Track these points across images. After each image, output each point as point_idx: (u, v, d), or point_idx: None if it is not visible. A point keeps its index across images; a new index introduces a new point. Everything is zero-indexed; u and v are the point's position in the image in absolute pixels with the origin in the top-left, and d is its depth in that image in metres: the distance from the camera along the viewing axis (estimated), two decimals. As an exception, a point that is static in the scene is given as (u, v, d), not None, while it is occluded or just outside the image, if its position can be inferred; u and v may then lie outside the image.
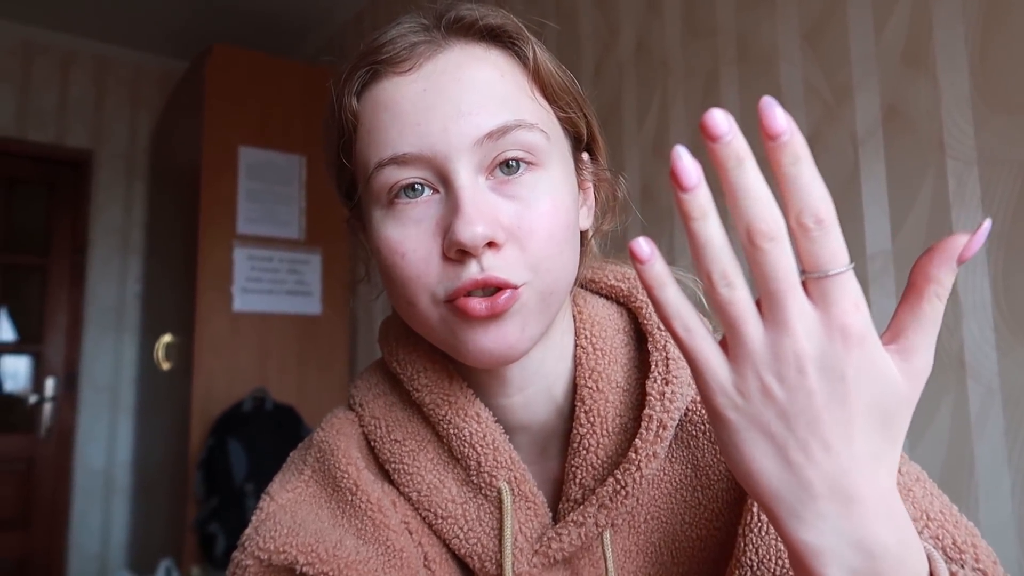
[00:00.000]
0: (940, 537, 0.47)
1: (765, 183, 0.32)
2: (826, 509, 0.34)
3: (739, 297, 0.33)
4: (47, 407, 3.26)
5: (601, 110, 1.87)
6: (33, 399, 3.26)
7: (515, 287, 0.48)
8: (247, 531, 0.56)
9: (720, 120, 0.31)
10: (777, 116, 0.31)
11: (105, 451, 3.35)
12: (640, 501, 0.54)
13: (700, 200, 0.32)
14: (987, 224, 0.33)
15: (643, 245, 0.34)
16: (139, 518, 3.20)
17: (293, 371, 2.69)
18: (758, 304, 0.34)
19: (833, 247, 0.32)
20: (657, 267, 0.34)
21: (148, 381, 3.19)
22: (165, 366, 2.82)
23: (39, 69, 3.36)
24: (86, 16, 3.24)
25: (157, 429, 2.98)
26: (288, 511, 0.55)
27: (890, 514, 0.34)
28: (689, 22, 1.69)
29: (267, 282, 2.66)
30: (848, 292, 0.33)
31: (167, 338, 2.83)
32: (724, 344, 0.35)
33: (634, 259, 0.34)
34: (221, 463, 2.33)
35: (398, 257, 0.49)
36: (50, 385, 3.28)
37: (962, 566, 0.46)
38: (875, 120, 1.31)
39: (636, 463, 0.51)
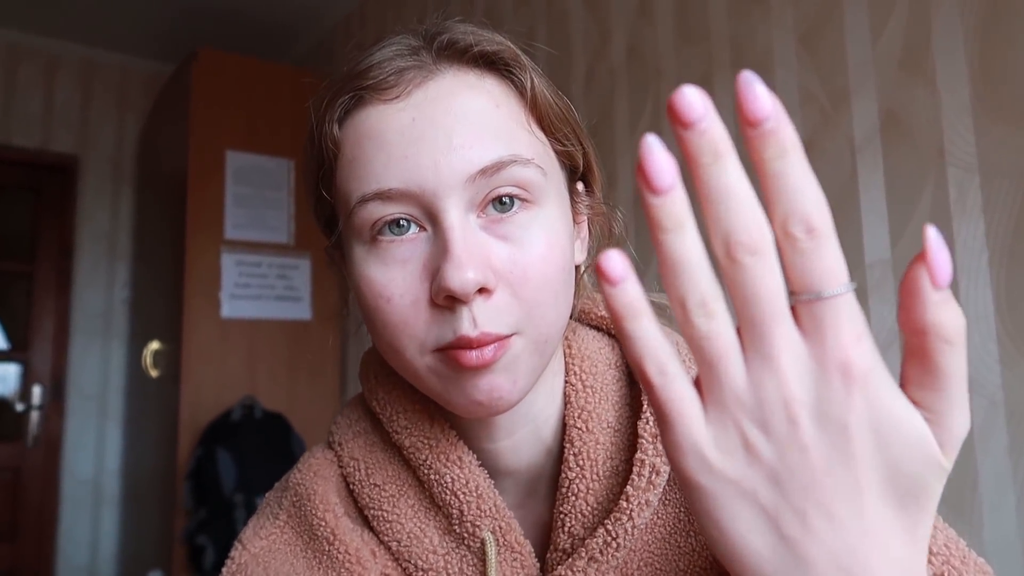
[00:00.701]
0: (945, 574, 0.44)
1: (749, 184, 0.26)
2: None
3: (719, 330, 0.27)
4: (34, 415, 3.22)
5: (592, 117, 1.84)
6: (20, 407, 3.21)
7: (505, 337, 0.44)
8: None
9: (694, 100, 0.25)
10: (759, 96, 0.25)
11: (93, 460, 3.30)
12: (633, 549, 0.51)
13: (674, 207, 0.26)
14: (932, 232, 0.26)
15: (615, 262, 0.27)
16: (128, 528, 3.16)
17: (283, 378, 2.66)
18: (739, 333, 0.28)
19: (828, 262, 0.26)
20: (630, 291, 0.27)
21: (136, 389, 3.15)
22: (153, 373, 2.78)
23: (24, 74, 3.31)
24: (71, 20, 3.19)
25: (146, 438, 2.94)
26: (260, 562, 0.52)
27: None
28: (681, 27, 1.66)
29: (256, 288, 2.63)
30: (848, 320, 0.26)
31: (155, 345, 2.79)
32: (697, 385, 0.29)
33: (602, 279, 0.27)
34: (210, 473, 2.30)
35: (383, 301, 0.45)
36: (37, 393, 3.24)
37: None
38: (873, 127, 1.29)
39: (628, 512, 0.48)
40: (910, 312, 0.26)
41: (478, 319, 0.43)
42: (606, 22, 1.86)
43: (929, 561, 0.44)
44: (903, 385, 0.28)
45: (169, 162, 2.80)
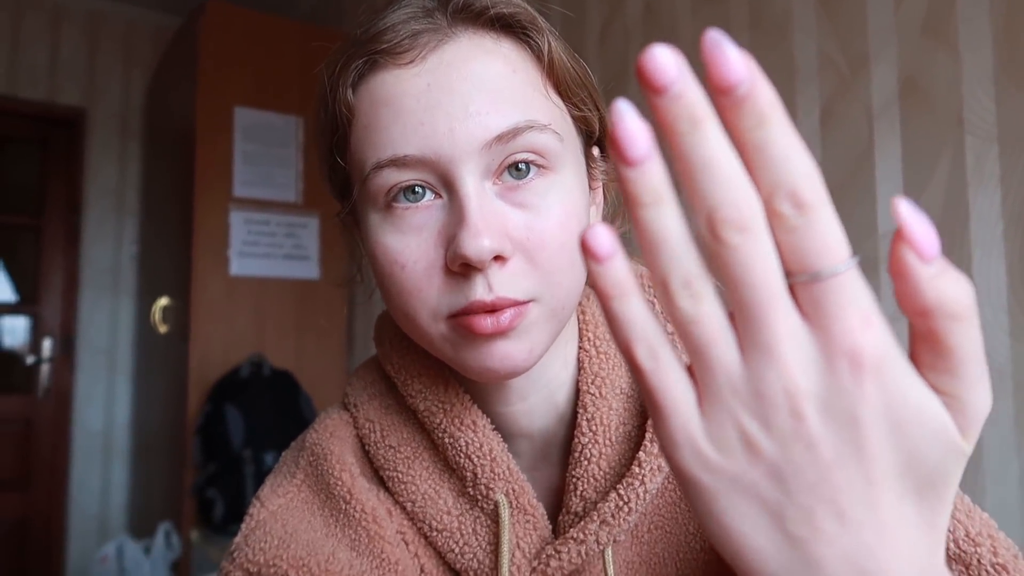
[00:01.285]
0: (952, 529, 0.44)
1: (733, 154, 0.23)
2: None
3: (707, 312, 0.24)
4: (44, 368, 3.26)
5: (606, 77, 1.82)
6: (30, 360, 3.25)
7: (523, 303, 0.44)
8: (236, 540, 0.53)
9: (666, 62, 0.22)
10: (730, 58, 0.22)
11: (103, 413, 3.35)
12: (644, 512, 0.52)
13: (651, 179, 0.23)
14: (903, 205, 0.23)
15: (601, 237, 0.25)
16: (138, 480, 3.22)
17: (291, 336, 2.67)
18: (733, 319, 0.25)
19: (823, 239, 0.23)
20: (618, 269, 0.25)
21: (145, 344, 3.17)
22: (162, 329, 2.80)
23: (29, 24, 3.27)
24: (76, -31, 3.14)
25: (155, 393, 2.98)
26: (279, 519, 0.53)
27: None
28: (700, -15, 1.63)
29: (264, 246, 2.63)
30: (852, 301, 0.23)
31: (164, 301, 2.80)
32: (691, 374, 0.26)
33: (587, 255, 0.25)
34: (219, 429, 2.32)
35: (397, 268, 0.45)
36: (47, 346, 3.27)
37: (979, 560, 0.43)
38: (892, 93, 1.27)
39: (640, 477, 0.49)
40: (906, 295, 0.24)
41: (493, 285, 0.43)
42: (621, -19, 1.82)
43: None
44: (915, 365, 0.25)
45: (177, 118, 2.78)
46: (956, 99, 1.18)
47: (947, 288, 0.23)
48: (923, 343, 0.25)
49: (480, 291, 0.43)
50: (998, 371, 1.12)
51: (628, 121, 0.23)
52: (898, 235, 0.23)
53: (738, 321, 0.25)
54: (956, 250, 1.17)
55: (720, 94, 0.22)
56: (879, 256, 1.27)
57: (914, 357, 0.25)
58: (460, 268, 0.43)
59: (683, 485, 0.27)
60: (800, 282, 0.24)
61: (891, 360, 0.24)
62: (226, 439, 2.32)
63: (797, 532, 0.25)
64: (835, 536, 0.25)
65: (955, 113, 1.18)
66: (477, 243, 0.42)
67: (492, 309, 0.43)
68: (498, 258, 0.43)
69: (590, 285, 0.24)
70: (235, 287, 2.56)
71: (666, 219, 0.24)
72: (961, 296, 0.23)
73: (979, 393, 0.25)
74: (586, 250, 0.25)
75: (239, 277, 2.57)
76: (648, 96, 0.23)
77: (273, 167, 2.66)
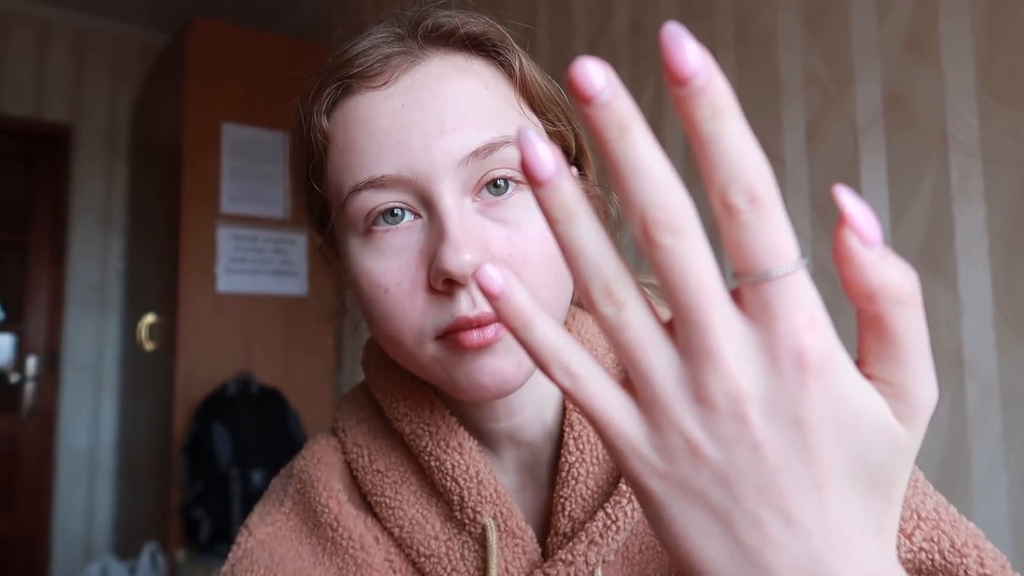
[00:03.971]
0: (935, 539, 0.44)
1: (662, 157, 0.23)
2: None
3: (630, 317, 0.25)
4: (29, 386, 3.22)
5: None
6: (15, 378, 3.21)
7: None
8: (223, 569, 0.53)
9: (593, 74, 0.22)
10: (687, 52, 0.22)
11: (88, 432, 3.31)
12: (634, 532, 0.51)
13: (561, 196, 0.24)
14: (843, 193, 0.23)
15: (493, 279, 0.26)
16: (124, 500, 3.18)
17: (279, 353, 2.65)
18: (668, 325, 0.25)
19: (775, 237, 0.23)
20: (517, 304, 0.26)
21: (131, 361, 3.15)
22: (148, 346, 2.77)
23: (16, 40, 3.26)
24: (63, -14, 3.14)
25: (141, 410, 2.95)
26: (267, 548, 0.52)
27: None
28: (686, 3, 1.64)
29: (252, 262, 2.62)
30: (800, 302, 0.23)
31: (150, 318, 2.78)
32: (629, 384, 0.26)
33: (488, 296, 0.26)
34: (205, 448, 2.30)
35: (380, 291, 0.45)
36: (32, 364, 3.24)
37: (965, 571, 0.43)
38: (876, 109, 1.28)
39: (627, 495, 0.48)
40: (851, 280, 0.24)
41: (477, 300, 0.43)
42: (608, -2, 1.83)
43: (918, 526, 0.44)
44: (861, 361, 0.25)
45: (164, 134, 2.77)
46: (940, 115, 1.19)
47: (891, 272, 0.23)
48: (870, 331, 0.24)
49: (464, 307, 0.43)
50: (985, 385, 1.12)
51: (535, 145, 0.24)
52: (841, 221, 0.23)
53: (677, 325, 0.25)
54: (942, 265, 1.18)
55: (676, 84, 0.22)
56: (866, 271, 1.28)
57: (861, 349, 0.25)
58: (443, 286, 0.43)
59: (637, 495, 0.27)
60: (748, 282, 0.23)
61: (835, 361, 0.24)
62: (213, 457, 2.29)
63: (747, 540, 0.25)
64: (785, 542, 0.25)
65: (939, 129, 1.19)
66: (459, 258, 0.41)
67: (478, 325, 0.43)
68: None
69: (498, 318, 0.25)
70: (222, 304, 2.55)
71: (581, 232, 0.24)
72: (905, 281, 0.23)
73: (924, 382, 0.24)
74: (485, 291, 0.26)
75: (226, 293, 2.55)
76: (578, 106, 0.23)
77: (261, 183, 2.65)
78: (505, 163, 0.45)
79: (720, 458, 0.25)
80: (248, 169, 2.63)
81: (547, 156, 0.24)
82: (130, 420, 3.13)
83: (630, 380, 0.26)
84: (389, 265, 0.45)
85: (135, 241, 3.26)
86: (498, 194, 0.45)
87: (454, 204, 0.44)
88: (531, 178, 0.24)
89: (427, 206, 0.45)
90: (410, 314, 0.44)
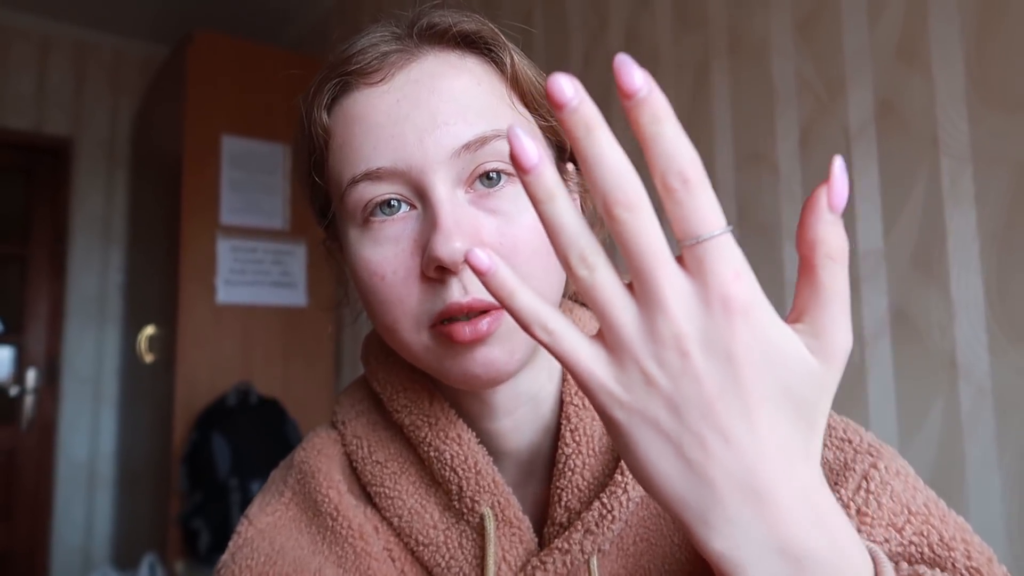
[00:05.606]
0: (925, 533, 0.45)
1: (620, 151, 0.29)
2: (736, 513, 0.29)
3: (601, 279, 0.30)
4: (28, 399, 3.22)
5: (590, 102, 1.84)
6: (14, 390, 3.21)
7: (499, 307, 0.45)
8: (224, 557, 0.54)
9: (564, 86, 0.28)
10: (633, 74, 0.28)
11: (88, 443, 3.31)
12: (629, 523, 0.52)
13: (544, 181, 0.30)
14: (838, 162, 0.30)
15: (480, 258, 0.31)
16: (123, 511, 3.17)
17: (278, 364, 2.66)
18: (630, 287, 0.31)
19: (704, 209, 0.28)
20: (502, 278, 0.31)
21: (131, 373, 3.15)
22: (148, 358, 2.78)
23: (17, 54, 3.29)
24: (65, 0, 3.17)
25: (140, 421, 2.95)
26: (267, 537, 0.53)
27: (816, 514, 0.30)
28: (680, 13, 1.66)
29: (251, 273, 2.63)
30: (726, 259, 0.29)
31: (150, 330, 2.79)
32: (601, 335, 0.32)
33: (477, 272, 0.31)
34: (205, 458, 2.30)
35: (377, 279, 0.46)
36: (31, 376, 3.24)
37: (953, 564, 0.44)
38: (868, 115, 1.29)
39: (623, 485, 0.49)
40: (805, 226, 0.30)
41: (468, 287, 0.45)
42: (604, 7, 1.86)
43: (909, 520, 0.45)
44: (794, 308, 0.31)
45: (164, 146, 2.79)
46: (930, 120, 1.20)
47: (834, 234, 0.30)
48: (804, 275, 0.31)
49: (456, 293, 0.45)
50: (978, 388, 1.13)
51: (521, 139, 0.29)
52: (824, 183, 0.29)
53: (635, 283, 0.30)
54: (934, 268, 1.19)
55: (626, 98, 0.28)
56: (859, 275, 1.29)
57: (796, 297, 0.31)
58: (436, 273, 0.45)
59: (606, 425, 0.32)
60: (687, 246, 0.29)
61: (758, 305, 0.29)
62: (212, 468, 2.30)
63: (693, 457, 0.30)
64: (724, 458, 0.30)
65: (930, 134, 1.20)
66: (450, 245, 0.43)
67: (469, 310, 0.44)
68: None
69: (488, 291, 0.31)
70: (222, 315, 2.55)
71: (560, 210, 0.30)
72: (841, 243, 0.30)
73: (840, 327, 0.30)
74: (473, 268, 0.31)
75: (226, 305, 2.56)
76: (555, 112, 0.29)
77: (260, 194, 2.66)
78: (497, 156, 0.47)
79: (670, 387, 0.30)
80: (247, 180, 2.64)
81: (532, 148, 0.29)
82: (129, 431, 3.13)
83: (600, 332, 0.31)
84: (385, 254, 0.46)
85: (135, 253, 3.27)
86: (490, 186, 0.47)
87: (447, 195, 0.45)
88: (518, 166, 0.29)
89: (421, 197, 0.46)
90: (405, 301, 0.46)
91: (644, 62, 1.73)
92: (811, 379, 0.30)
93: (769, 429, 0.30)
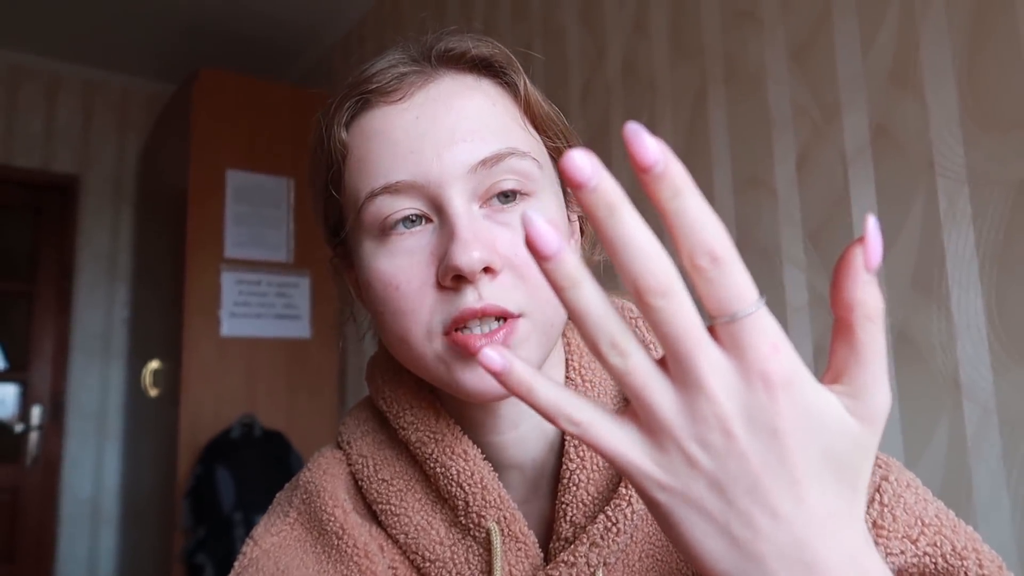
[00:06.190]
0: (938, 544, 0.46)
1: (646, 229, 0.28)
2: None
3: (634, 364, 0.29)
4: (33, 436, 3.22)
5: (589, 131, 1.87)
6: (19, 428, 3.21)
7: (514, 316, 0.46)
8: None
9: (581, 163, 0.26)
10: (646, 144, 0.26)
11: (92, 479, 3.30)
12: (634, 538, 0.52)
13: (565, 267, 0.28)
14: (872, 221, 0.29)
15: (493, 358, 0.30)
16: (127, 547, 3.15)
17: (282, 396, 2.66)
18: (661, 362, 0.30)
19: (737, 286, 0.28)
20: (518, 376, 0.30)
21: (135, 408, 3.15)
22: (153, 393, 2.78)
23: (26, 94, 3.34)
24: (73, 41, 3.23)
25: (145, 457, 2.94)
26: (272, 557, 0.53)
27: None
28: (676, 42, 1.69)
29: (255, 306, 2.64)
30: (762, 334, 0.28)
31: (154, 364, 2.80)
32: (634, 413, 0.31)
33: (492, 373, 0.30)
34: (209, 492, 2.29)
35: (392, 290, 0.48)
36: (36, 413, 3.24)
37: (965, 573, 0.45)
38: (864, 139, 1.31)
39: (627, 498, 0.50)
40: (841, 288, 0.29)
41: (483, 294, 0.46)
42: (602, 38, 1.89)
43: (923, 532, 0.46)
44: (830, 367, 0.31)
45: (170, 181, 2.82)
46: (925, 143, 1.22)
47: (871, 293, 0.29)
48: (841, 335, 0.30)
49: (471, 299, 0.46)
50: (983, 407, 1.13)
51: (538, 225, 0.28)
52: (859, 240, 0.29)
53: (671, 366, 0.29)
54: (934, 289, 1.19)
55: (642, 172, 0.27)
56: (860, 297, 1.29)
57: (832, 356, 0.31)
58: (452, 282, 0.46)
59: (648, 507, 0.32)
60: (721, 323, 0.28)
61: (798, 377, 0.29)
62: (216, 502, 2.29)
63: (740, 534, 0.30)
64: (772, 533, 0.29)
65: (925, 156, 1.22)
66: (468, 254, 0.44)
67: (483, 314, 0.45)
68: (488, 271, 0.46)
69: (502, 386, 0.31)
70: (226, 348, 2.56)
71: (586, 296, 0.28)
72: (878, 304, 0.29)
73: (880, 386, 0.30)
74: (482, 363, 0.30)
75: (230, 338, 2.57)
76: (572, 191, 0.27)
77: (264, 228, 2.69)
78: (511, 172, 0.48)
79: (713, 468, 0.29)
80: (252, 214, 2.67)
81: (550, 235, 0.28)
82: (134, 467, 3.12)
83: (631, 407, 0.31)
84: (400, 265, 0.48)
85: (140, 288, 3.29)
86: (505, 203, 0.49)
87: (463, 208, 0.47)
88: (537, 254, 0.28)
89: (438, 210, 0.48)
90: (419, 310, 0.47)
91: (642, 90, 1.76)
92: (853, 442, 0.30)
93: (815, 499, 0.29)
